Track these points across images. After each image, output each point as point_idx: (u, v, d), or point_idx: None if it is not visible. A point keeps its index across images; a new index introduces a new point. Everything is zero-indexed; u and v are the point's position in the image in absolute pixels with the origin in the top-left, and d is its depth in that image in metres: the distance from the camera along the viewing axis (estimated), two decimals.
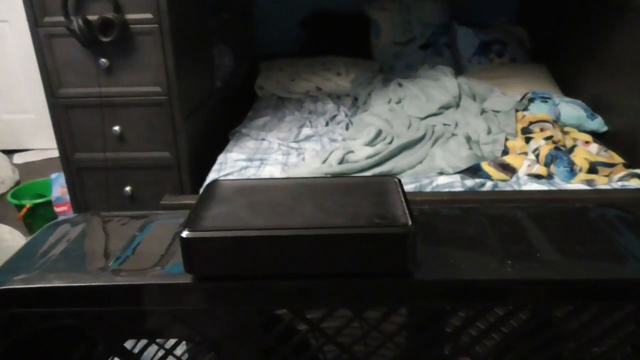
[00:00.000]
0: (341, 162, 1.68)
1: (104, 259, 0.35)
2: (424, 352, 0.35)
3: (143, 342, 0.38)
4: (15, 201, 2.29)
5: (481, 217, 0.37)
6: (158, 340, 0.40)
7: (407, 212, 0.32)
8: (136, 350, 0.38)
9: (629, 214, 0.37)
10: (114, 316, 0.31)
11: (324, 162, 1.69)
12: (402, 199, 0.33)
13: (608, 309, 0.32)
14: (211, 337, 0.36)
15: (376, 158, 1.68)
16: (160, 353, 0.40)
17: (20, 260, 0.38)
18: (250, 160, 1.80)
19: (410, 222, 0.31)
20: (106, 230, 0.40)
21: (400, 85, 2.27)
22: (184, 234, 0.31)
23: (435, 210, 0.38)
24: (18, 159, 3.25)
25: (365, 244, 0.31)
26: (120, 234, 0.38)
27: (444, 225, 0.37)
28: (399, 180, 0.36)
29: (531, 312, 0.34)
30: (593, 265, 0.32)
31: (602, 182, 1.50)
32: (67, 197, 2.00)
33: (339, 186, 0.35)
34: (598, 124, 1.85)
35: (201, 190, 1.42)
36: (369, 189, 0.34)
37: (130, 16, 1.59)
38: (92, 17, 1.57)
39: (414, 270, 0.32)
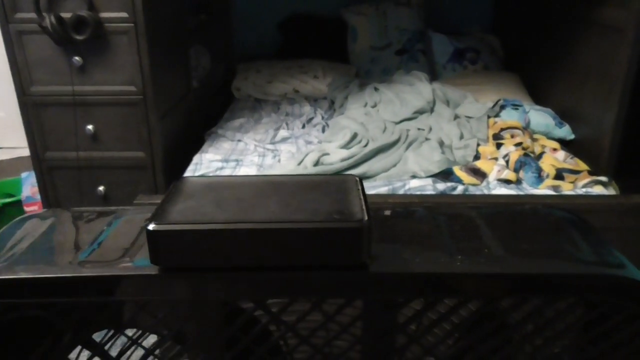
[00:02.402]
0: (316, 164, 1.70)
1: (72, 252, 0.36)
2: (378, 342, 0.36)
3: (110, 333, 0.39)
4: None
5: (437, 216, 0.39)
6: (126, 331, 0.41)
7: (364, 208, 0.34)
8: (103, 341, 0.39)
9: (573, 215, 0.39)
10: (82, 307, 0.32)
11: (299, 163, 1.71)
12: (361, 197, 0.35)
13: (549, 301, 0.35)
14: (176, 327, 0.37)
15: (351, 161, 1.70)
16: (128, 344, 0.41)
17: None
18: (225, 161, 1.81)
19: (366, 218, 0.33)
20: (74, 225, 0.40)
21: (376, 89, 2.30)
22: (151, 226, 0.33)
23: (395, 210, 0.40)
24: None
25: (323, 237, 0.33)
26: (89, 228, 0.39)
27: (401, 224, 0.39)
28: (360, 179, 0.38)
29: (480, 304, 0.36)
30: (536, 261, 0.35)
31: (567, 188, 1.55)
32: (38, 197, 1.97)
33: (302, 184, 0.37)
34: (565, 131, 1.91)
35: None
36: (330, 187, 0.36)
37: (104, 14, 1.58)
38: (66, 15, 1.55)
39: (369, 263, 0.34)
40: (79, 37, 1.55)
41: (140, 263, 0.35)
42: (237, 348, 0.36)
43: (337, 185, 0.36)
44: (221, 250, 0.33)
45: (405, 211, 0.41)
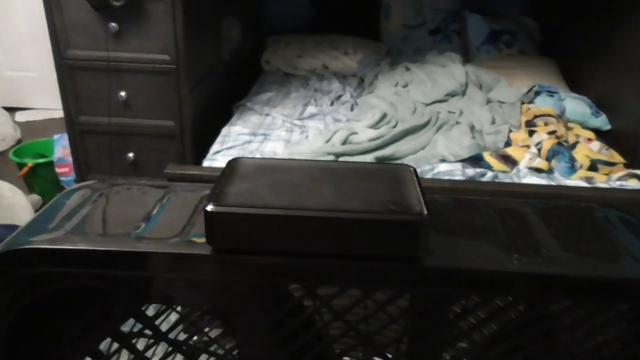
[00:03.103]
0: (344, 142, 1.69)
1: (126, 226, 0.37)
2: (425, 335, 0.36)
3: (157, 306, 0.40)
4: (16, 159, 2.29)
5: (490, 210, 0.38)
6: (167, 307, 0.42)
7: (422, 200, 0.33)
8: (153, 315, 0.40)
9: (632, 217, 0.38)
10: (136, 280, 0.33)
11: (327, 141, 1.70)
12: (418, 188, 0.35)
13: (604, 306, 0.34)
14: (225, 307, 0.37)
15: (379, 141, 1.69)
16: (172, 317, 0.42)
17: (42, 222, 0.39)
18: (253, 134, 1.81)
19: (425, 211, 0.32)
20: (127, 198, 0.41)
21: (407, 69, 2.26)
22: (209, 208, 0.33)
23: (446, 200, 0.40)
24: (20, 117, 3.23)
25: (379, 229, 0.32)
26: (142, 203, 0.39)
27: (453, 215, 0.38)
28: (415, 170, 0.37)
29: (528, 304, 0.36)
30: (595, 264, 0.34)
31: (601, 181, 1.51)
32: (69, 159, 2.01)
33: (357, 171, 0.36)
34: (602, 121, 1.86)
35: (205, 163, 1.42)
36: (386, 176, 0.36)
37: None
38: None
39: (424, 257, 0.33)
40: (116, 3, 1.55)
41: (195, 243, 0.35)
42: (284, 331, 0.37)
43: (392, 174, 0.36)
44: (276, 235, 0.33)
45: (456, 202, 0.40)
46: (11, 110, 3.25)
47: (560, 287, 0.33)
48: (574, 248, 0.35)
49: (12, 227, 1.82)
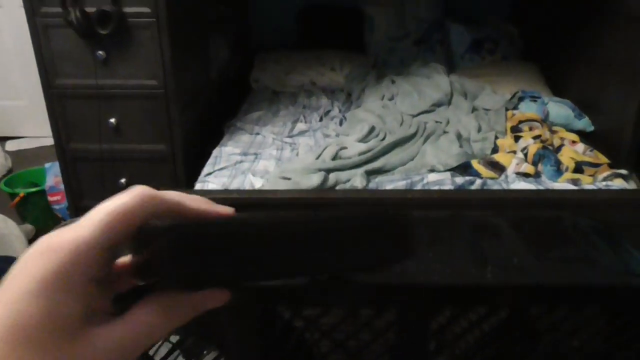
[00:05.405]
0: (334, 158, 1.71)
1: None
2: (411, 347, 0.38)
3: None
4: (8, 189, 2.29)
5: (463, 225, 0.40)
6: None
7: None
8: None
9: (599, 223, 0.40)
10: None
11: (317, 157, 1.72)
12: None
13: (576, 310, 0.36)
14: (216, 334, 0.39)
15: (369, 154, 1.71)
16: (165, 347, 0.43)
17: None
18: (244, 154, 1.83)
19: None
20: None
21: (393, 82, 2.30)
22: None
23: (419, 216, 0.42)
24: (10, 146, 3.24)
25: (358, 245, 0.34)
26: None
27: (427, 232, 0.40)
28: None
29: (508, 312, 0.37)
30: (565, 271, 0.36)
31: (587, 182, 1.54)
32: (61, 187, 2.02)
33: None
34: (585, 123, 1.90)
35: (197, 185, 1.42)
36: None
37: (127, 9, 1.60)
38: (90, 9, 1.58)
39: (401, 274, 0.35)
40: (102, 31, 1.57)
41: None
42: (275, 352, 0.38)
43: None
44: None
45: (430, 217, 0.42)
46: (1, 139, 3.26)
47: (532, 295, 0.35)
48: (544, 257, 0.37)
49: (6, 259, 1.82)
